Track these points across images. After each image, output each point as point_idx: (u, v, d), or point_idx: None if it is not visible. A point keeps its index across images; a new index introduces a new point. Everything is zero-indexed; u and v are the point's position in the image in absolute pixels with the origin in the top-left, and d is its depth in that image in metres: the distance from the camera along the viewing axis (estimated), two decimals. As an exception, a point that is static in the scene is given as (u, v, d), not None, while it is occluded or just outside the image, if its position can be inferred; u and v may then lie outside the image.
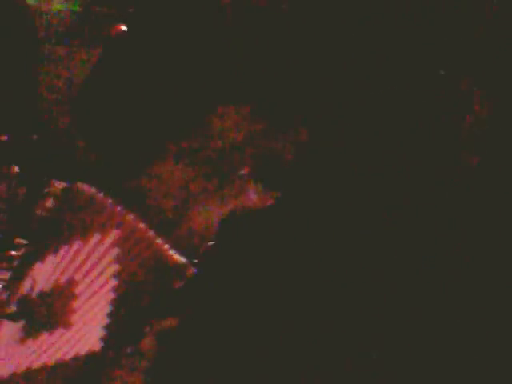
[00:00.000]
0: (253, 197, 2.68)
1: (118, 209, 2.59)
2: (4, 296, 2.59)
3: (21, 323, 2.61)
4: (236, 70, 2.76)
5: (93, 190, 2.60)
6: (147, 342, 2.61)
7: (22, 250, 2.58)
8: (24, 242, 2.58)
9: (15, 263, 2.58)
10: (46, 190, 2.58)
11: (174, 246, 2.63)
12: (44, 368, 2.59)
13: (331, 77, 2.77)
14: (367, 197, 2.72)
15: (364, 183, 2.73)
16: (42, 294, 2.60)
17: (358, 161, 2.73)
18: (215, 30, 2.76)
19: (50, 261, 2.60)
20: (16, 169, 2.52)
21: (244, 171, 2.68)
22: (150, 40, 2.82)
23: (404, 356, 2.66)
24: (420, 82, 2.71)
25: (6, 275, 2.59)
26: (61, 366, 2.59)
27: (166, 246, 2.58)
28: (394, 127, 2.75)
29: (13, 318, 2.60)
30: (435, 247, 2.71)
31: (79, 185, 2.61)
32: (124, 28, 2.80)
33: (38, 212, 2.57)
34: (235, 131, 2.69)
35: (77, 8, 2.85)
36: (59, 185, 2.59)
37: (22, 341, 2.61)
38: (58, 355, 2.59)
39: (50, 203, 2.58)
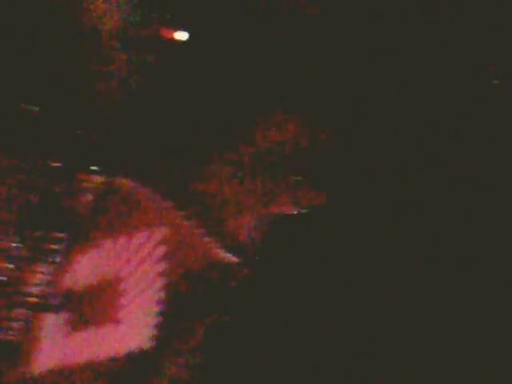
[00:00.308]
0: (306, 202, 2.78)
1: (166, 206, 2.62)
2: (47, 289, 2.64)
3: (66, 316, 2.67)
4: (295, 79, 2.80)
5: (135, 184, 2.61)
6: (198, 340, 2.72)
7: (63, 244, 2.62)
8: (64, 236, 2.62)
9: (56, 257, 2.62)
10: (84, 184, 2.59)
11: (225, 246, 2.69)
12: (93, 363, 2.66)
13: (386, 87, 2.85)
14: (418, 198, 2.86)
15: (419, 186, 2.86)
16: (87, 289, 2.66)
17: (409, 165, 2.85)
18: (273, 38, 2.79)
19: (94, 256, 2.65)
20: (56, 163, 2.53)
21: (298, 177, 2.76)
22: (207, 45, 2.80)
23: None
24: (474, 91, 2.85)
25: (49, 268, 2.63)
26: (111, 361, 2.67)
27: (217, 245, 2.65)
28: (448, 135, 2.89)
29: (56, 310, 2.66)
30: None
31: (120, 179, 2.61)
32: (180, 34, 2.80)
33: (78, 206, 2.60)
34: (292, 138, 2.76)
35: (135, 14, 2.82)
36: (98, 179, 2.60)
37: (68, 334, 2.67)
38: (107, 351, 2.66)
39: (89, 197, 2.60)
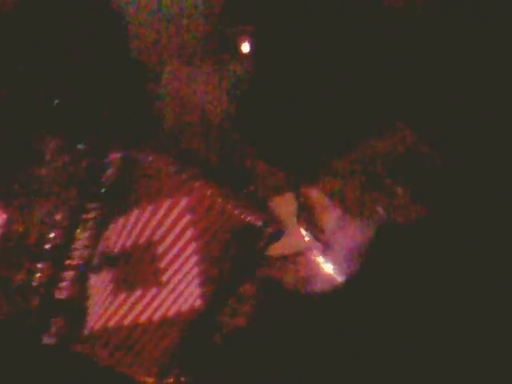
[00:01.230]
0: (406, 213, 2.98)
1: (184, 176, 2.95)
2: (87, 252, 3.10)
3: (108, 278, 3.08)
4: (390, 90, 3.00)
5: (152, 157, 2.98)
6: (247, 289, 3.01)
7: (94, 214, 3.09)
8: (94, 205, 3.08)
9: (90, 225, 3.09)
10: (106, 160, 3.05)
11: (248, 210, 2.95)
12: (142, 324, 3.01)
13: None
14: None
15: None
16: (124, 253, 3.05)
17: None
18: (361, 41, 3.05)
19: (123, 224, 3.05)
20: (80, 145, 3.02)
21: (401, 187, 2.97)
22: (288, 53, 3.11)
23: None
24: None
25: (85, 234, 3.10)
26: (165, 322, 3.01)
27: (239, 210, 2.92)
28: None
29: (97, 271, 3.10)
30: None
31: (136, 153, 3.01)
32: (248, 45, 3.08)
33: (103, 179, 3.06)
34: (389, 151, 2.98)
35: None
36: (117, 155, 3.05)
37: (114, 295, 3.05)
38: (160, 313, 3.00)
39: (111, 171, 3.05)
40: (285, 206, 3.09)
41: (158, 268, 3.01)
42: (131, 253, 3.06)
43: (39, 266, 3.09)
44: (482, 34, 3.04)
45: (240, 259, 3.00)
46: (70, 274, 3.11)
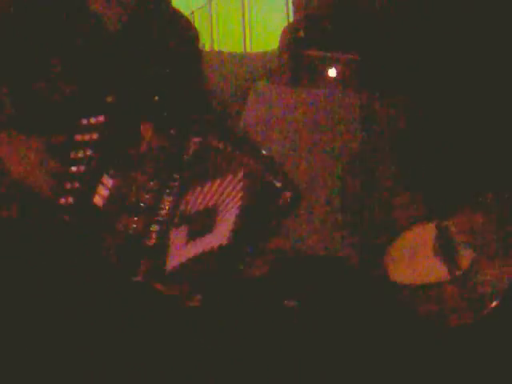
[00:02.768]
0: None
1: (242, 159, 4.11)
2: (171, 212, 4.16)
3: (185, 231, 4.15)
4: None
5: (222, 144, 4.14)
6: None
7: (178, 183, 4.17)
8: (178, 176, 4.17)
9: (174, 191, 4.17)
10: (188, 143, 4.16)
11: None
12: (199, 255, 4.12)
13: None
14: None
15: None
16: (197, 212, 4.14)
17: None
18: None
19: (199, 191, 4.15)
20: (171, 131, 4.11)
21: None
22: None
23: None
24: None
25: (170, 198, 4.16)
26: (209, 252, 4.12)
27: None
28: None
29: (177, 226, 4.16)
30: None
31: (211, 140, 4.15)
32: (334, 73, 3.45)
33: (186, 156, 4.17)
34: None
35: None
36: (197, 139, 4.17)
37: (187, 243, 4.13)
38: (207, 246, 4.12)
39: (190, 151, 4.17)
40: (423, 236, 3.24)
41: (218, 221, 4.13)
42: (203, 213, 4.16)
43: (135, 219, 4.11)
44: None
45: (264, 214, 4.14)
46: (156, 227, 4.15)
